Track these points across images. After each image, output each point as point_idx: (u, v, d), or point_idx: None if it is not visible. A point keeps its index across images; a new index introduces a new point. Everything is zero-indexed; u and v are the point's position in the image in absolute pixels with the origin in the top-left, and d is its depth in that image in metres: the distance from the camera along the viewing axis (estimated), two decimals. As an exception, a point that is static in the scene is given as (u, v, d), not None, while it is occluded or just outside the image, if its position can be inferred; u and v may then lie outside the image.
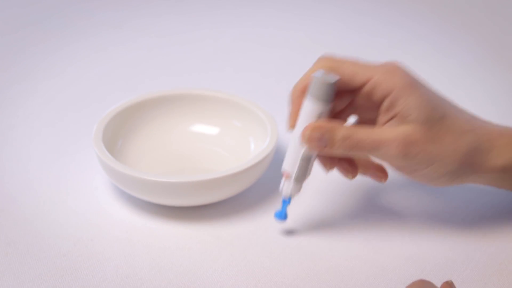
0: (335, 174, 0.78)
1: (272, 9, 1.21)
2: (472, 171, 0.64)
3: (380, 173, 0.68)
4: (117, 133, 0.77)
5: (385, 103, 0.62)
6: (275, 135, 0.73)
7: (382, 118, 0.63)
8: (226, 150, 0.79)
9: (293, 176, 0.66)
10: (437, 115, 0.62)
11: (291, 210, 0.70)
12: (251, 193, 0.74)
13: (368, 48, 1.07)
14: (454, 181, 0.65)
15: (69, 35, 1.11)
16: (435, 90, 0.64)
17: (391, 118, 0.63)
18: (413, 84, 0.62)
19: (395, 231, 0.70)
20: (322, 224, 0.71)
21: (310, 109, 0.63)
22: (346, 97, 0.65)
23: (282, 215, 0.68)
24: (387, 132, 0.62)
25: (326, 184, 0.76)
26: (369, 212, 0.72)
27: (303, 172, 0.66)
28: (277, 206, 0.73)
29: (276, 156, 0.80)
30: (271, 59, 1.05)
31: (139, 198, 0.72)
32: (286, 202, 0.67)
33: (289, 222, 0.70)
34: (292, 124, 0.65)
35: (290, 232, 0.69)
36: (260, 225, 0.70)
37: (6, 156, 0.80)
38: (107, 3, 1.21)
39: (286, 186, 0.67)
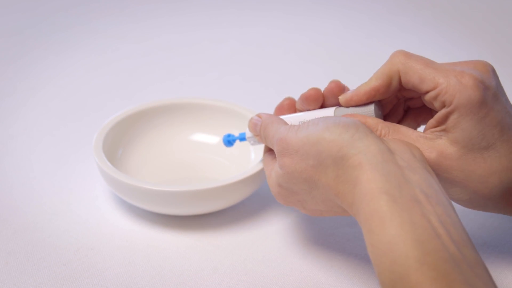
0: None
1: (274, 18, 1.21)
2: (505, 206, 0.60)
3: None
4: (118, 142, 0.77)
5: (441, 114, 0.59)
6: (275, 144, 0.73)
7: (431, 122, 0.60)
8: (227, 159, 0.79)
9: None
10: (483, 143, 0.58)
11: (291, 216, 0.70)
12: (252, 202, 0.75)
13: (372, 54, 1.07)
14: (482, 209, 0.62)
15: (69, 43, 1.11)
16: (509, 109, 0.60)
17: (438, 129, 0.60)
18: (480, 104, 0.58)
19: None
20: (322, 234, 0.71)
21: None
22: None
23: (229, 142, 0.72)
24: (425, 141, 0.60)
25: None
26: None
27: None
28: (278, 215, 0.73)
29: (276, 165, 0.80)
30: (271, 68, 1.05)
31: (139, 207, 0.72)
32: (243, 139, 0.70)
33: (289, 231, 0.71)
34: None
35: (290, 242, 0.69)
36: (260, 234, 0.70)
37: (7, 166, 0.81)
38: (107, 12, 1.21)
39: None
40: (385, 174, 0.53)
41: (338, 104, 0.65)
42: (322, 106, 0.67)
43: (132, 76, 1.02)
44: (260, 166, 0.70)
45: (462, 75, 0.58)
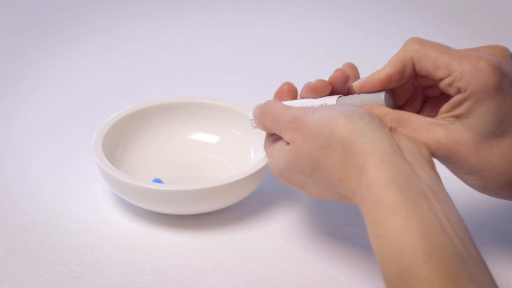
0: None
1: (273, 18, 1.21)
2: None
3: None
4: (117, 141, 0.77)
5: (455, 99, 0.58)
6: (275, 144, 0.73)
7: (445, 107, 0.59)
8: (226, 159, 0.79)
9: None
10: (499, 130, 0.57)
11: (291, 215, 0.71)
12: (251, 201, 0.75)
13: (371, 53, 1.07)
14: (495, 196, 0.61)
15: (68, 43, 1.11)
16: None
17: (452, 115, 0.59)
18: (496, 90, 0.56)
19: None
20: (322, 233, 0.71)
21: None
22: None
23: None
24: (437, 127, 0.59)
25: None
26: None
27: None
28: (277, 214, 0.73)
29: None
30: (271, 66, 1.05)
31: (139, 207, 0.72)
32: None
33: (289, 230, 0.71)
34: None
35: (290, 241, 0.69)
36: (260, 234, 0.70)
37: (7, 165, 0.81)
38: (106, 11, 1.21)
39: None
40: (393, 166, 0.52)
41: (343, 93, 0.65)
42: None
43: (132, 76, 1.02)
44: (260, 166, 0.70)
45: (478, 60, 0.57)
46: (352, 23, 1.19)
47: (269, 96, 0.95)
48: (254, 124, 0.67)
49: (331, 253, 0.68)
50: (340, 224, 0.72)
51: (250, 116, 0.68)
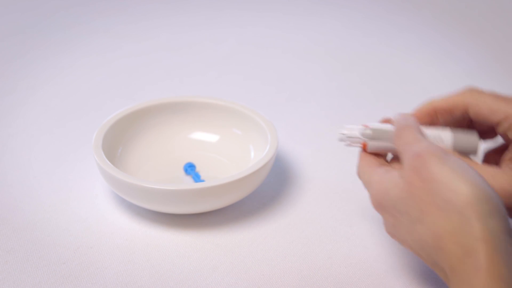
0: (334, 180, 0.78)
1: (272, 17, 1.21)
2: None
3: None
4: (117, 140, 0.77)
5: None
6: (275, 143, 0.73)
7: (507, 154, 0.60)
8: (226, 158, 0.79)
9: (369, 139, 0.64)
10: None
11: (291, 214, 0.71)
12: (251, 200, 0.75)
13: (371, 53, 1.07)
14: None
15: (68, 43, 1.11)
16: None
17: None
18: None
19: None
20: (322, 232, 0.71)
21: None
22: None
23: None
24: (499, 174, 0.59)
25: (325, 192, 0.76)
26: (368, 220, 0.72)
27: (379, 136, 0.64)
28: (277, 214, 0.73)
29: (276, 164, 0.80)
30: (271, 66, 1.05)
31: (139, 206, 0.72)
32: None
33: (289, 230, 0.71)
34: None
35: (289, 240, 0.69)
36: (260, 233, 0.70)
37: (6, 164, 0.81)
38: (106, 10, 1.21)
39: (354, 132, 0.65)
40: (504, 257, 0.51)
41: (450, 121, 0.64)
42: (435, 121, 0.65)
43: (132, 75, 1.02)
44: (259, 165, 0.70)
45: None
46: (352, 22, 1.19)
47: (269, 95, 0.96)
48: (347, 141, 0.64)
49: (331, 253, 0.68)
50: (340, 225, 0.72)
51: (345, 131, 0.64)
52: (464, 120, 0.63)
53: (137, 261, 0.67)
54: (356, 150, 0.74)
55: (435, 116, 0.62)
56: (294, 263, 0.67)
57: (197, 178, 0.76)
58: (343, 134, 0.65)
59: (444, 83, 0.99)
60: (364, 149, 0.64)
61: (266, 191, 0.76)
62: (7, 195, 0.75)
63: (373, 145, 0.64)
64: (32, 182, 0.77)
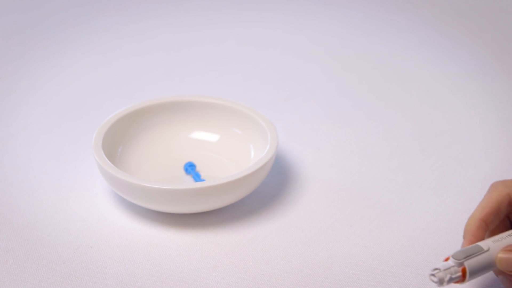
0: (334, 180, 0.78)
1: (272, 17, 1.21)
2: None
3: None
4: (117, 140, 0.77)
5: None
6: (275, 142, 0.73)
7: None
8: (226, 157, 0.79)
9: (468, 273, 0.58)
10: None
11: (291, 214, 0.71)
12: (251, 200, 0.75)
13: (371, 53, 1.07)
14: None
15: (68, 42, 1.11)
16: None
17: None
18: None
19: (394, 238, 0.70)
20: (322, 231, 0.71)
21: None
22: None
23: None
24: None
25: (325, 191, 0.76)
26: (369, 219, 0.72)
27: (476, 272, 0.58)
28: (277, 213, 0.73)
29: (276, 164, 0.80)
30: (271, 66, 1.05)
31: (139, 205, 0.72)
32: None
33: (289, 229, 0.71)
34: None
35: (289, 240, 0.69)
36: (260, 232, 0.70)
37: (6, 164, 0.80)
38: (106, 9, 1.21)
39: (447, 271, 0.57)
40: None
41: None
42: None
43: (132, 75, 1.02)
44: (259, 165, 0.70)
45: None
46: (351, 22, 1.19)
47: (268, 95, 0.95)
48: (436, 278, 0.57)
49: (331, 252, 0.68)
50: (340, 224, 0.72)
51: (440, 266, 0.57)
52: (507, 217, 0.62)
53: (137, 260, 0.67)
54: (356, 149, 0.74)
55: (486, 227, 0.60)
56: (294, 263, 0.67)
57: (197, 177, 0.76)
58: (437, 269, 0.57)
59: (444, 83, 0.98)
60: (464, 277, 0.57)
61: (266, 191, 0.76)
62: (7, 194, 0.75)
63: (472, 265, 0.57)
64: (32, 181, 0.77)
